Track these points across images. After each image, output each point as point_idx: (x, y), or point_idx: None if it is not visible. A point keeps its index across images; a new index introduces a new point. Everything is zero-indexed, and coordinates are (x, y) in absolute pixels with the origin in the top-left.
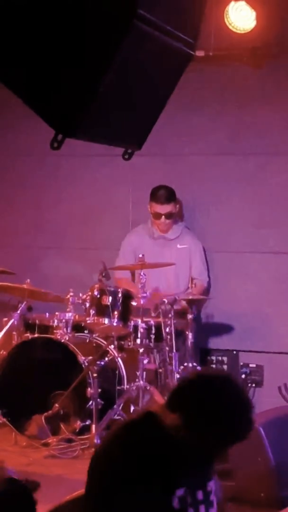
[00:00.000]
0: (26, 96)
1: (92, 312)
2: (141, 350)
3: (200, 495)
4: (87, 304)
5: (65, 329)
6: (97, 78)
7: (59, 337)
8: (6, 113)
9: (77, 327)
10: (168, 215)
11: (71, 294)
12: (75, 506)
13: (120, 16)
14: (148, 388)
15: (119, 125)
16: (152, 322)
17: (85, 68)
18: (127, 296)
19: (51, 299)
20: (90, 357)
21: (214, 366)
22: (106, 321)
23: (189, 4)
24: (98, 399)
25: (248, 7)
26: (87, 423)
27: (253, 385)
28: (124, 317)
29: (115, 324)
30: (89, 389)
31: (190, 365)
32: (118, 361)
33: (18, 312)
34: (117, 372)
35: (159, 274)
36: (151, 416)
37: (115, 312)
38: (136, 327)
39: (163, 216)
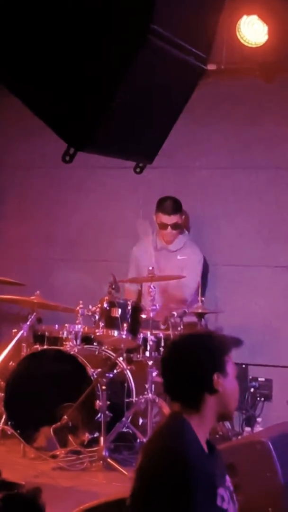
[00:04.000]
0: (39, 110)
1: (101, 324)
2: (150, 363)
3: (226, 491)
4: (97, 316)
5: (74, 341)
6: (110, 92)
7: (68, 349)
8: (17, 126)
9: (86, 339)
10: (174, 226)
11: (81, 306)
12: None
13: (134, 31)
14: (156, 400)
15: (131, 139)
16: (161, 334)
17: (98, 82)
18: (137, 309)
19: (61, 309)
20: (99, 369)
21: None
22: (116, 333)
23: (202, 19)
24: (107, 412)
25: (260, 21)
26: (96, 435)
27: (262, 399)
28: (134, 330)
29: (124, 336)
30: (97, 401)
31: None
32: (127, 373)
33: (28, 323)
34: (126, 384)
35: (162, 285)
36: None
37: (125, 325)
38: (145, 340)
39: (169, 227)
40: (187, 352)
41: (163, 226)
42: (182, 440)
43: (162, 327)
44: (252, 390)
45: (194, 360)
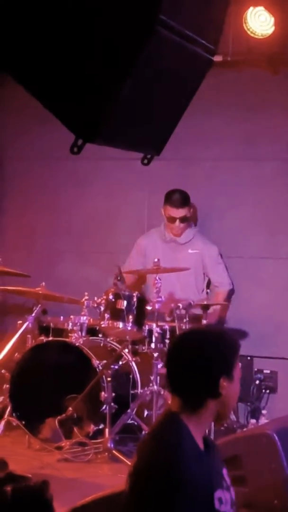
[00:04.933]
0: (47, 102)
1: (106, 316)
2: (155, 355)
3: (223, 491)
4: (102, 308)
5: (79, 333)
6: (118, 83)
7: (73, 340)
8: (22, 117)
9: (92, 331)
10: (183, 219)
11: (86, 297)
12: (91, 509)
13: (141, 21)
14: (162, 392)
15: (139, 131)
16: (166, 326)
17: (106, 73)
18: (142, 301)
19: (66, 300)
20: (104, 361)
21: None
22: (121, 325)
23: (210, 10)
24: (112, 403)
25: (266, 12)
26: (101, 427)
27: (267, 391)
28: (139, 321)
29: (129, 328)
30: (103, 393)
31: None
32: (132, 365)
33: (33, 315)
34: (131, 376)
35: (170, 278)
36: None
37: (130, 316)
38: (150, 332)
39: (177, 220)
40: (197, 350)
41: (172, 219)
42: (176, 446)
43: (167, 319)
44: (257, 382)
45: (203, 362)
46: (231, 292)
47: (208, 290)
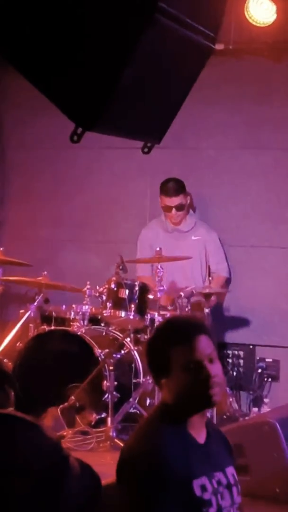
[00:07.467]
0: (47, 90)
1: (109, 305)
2: None
3: (215, 482)
4: (104, 297)
5: (81, 322)
6: (117, 71)
7: (75, 329)
8: (24, 106)
9: (94, 320)
10: (179, 207)
11: (88, 286)
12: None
13: (140, 9)
14: None
15: (138, 119)
16: (168, 315)
17: (105, 61)
18: (144, 289)
19: (68, 289)
20: (107, 350)
21: (230, 360)
22: (123, 314)
23: None
24: (114, 392)
25: (268, 0)
26: (103, 416)
27: (269, 379)
28: (141, 310)
29: (131, 317)
30: (105, 382)
31: None
32: (134, 354)
33: (35, 304)
34: (133, 365)
35: (175, 267)
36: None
37: (132, 305)
38: (152, 320)
39: (173, 209)
40: None
41: (167, 208)
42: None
43: (169, 307)
44: (259, 370)
45: None
46: (228, 281)
47: (211, 278)
